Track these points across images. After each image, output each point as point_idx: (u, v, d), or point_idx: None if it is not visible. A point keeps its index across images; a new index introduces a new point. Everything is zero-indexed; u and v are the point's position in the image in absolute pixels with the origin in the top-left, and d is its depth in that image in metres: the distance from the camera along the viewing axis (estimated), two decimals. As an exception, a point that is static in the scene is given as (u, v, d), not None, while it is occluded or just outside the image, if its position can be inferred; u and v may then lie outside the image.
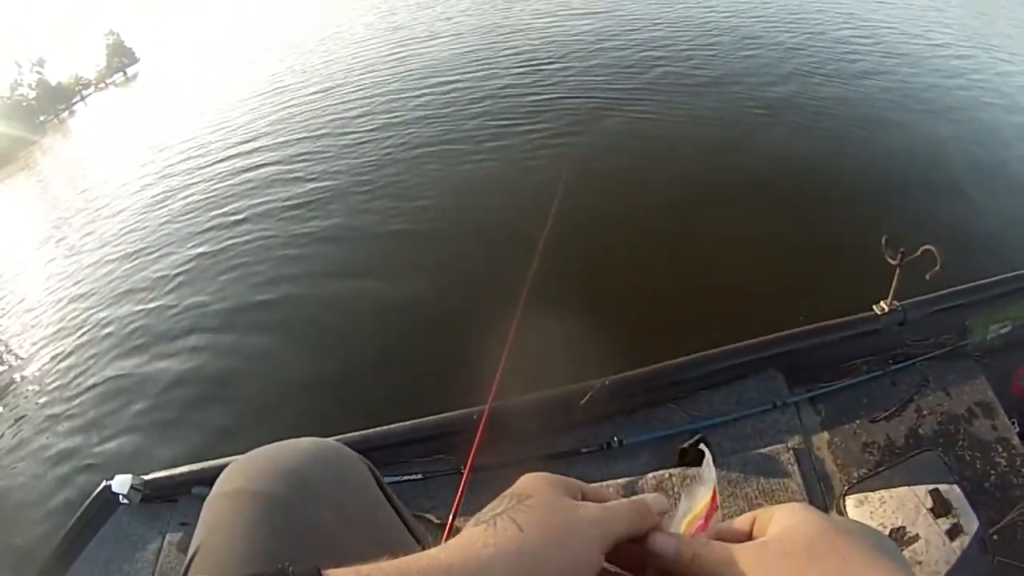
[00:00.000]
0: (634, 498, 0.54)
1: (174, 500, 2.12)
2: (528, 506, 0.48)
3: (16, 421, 5.08)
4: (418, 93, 9.00)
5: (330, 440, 0.76)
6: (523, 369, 1.99)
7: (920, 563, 1.52)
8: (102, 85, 59.40)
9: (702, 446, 0.57)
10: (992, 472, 1.71)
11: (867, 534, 0.46)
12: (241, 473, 0.67)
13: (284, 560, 0.41)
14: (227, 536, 0.61)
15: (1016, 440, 1.78)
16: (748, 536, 0.53)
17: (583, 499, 0.54)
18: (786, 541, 0.45)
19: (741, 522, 0.54)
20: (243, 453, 0.71)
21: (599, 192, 4.81)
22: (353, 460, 0.76)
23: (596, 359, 2.25)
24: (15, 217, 14.12)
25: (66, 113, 50.98)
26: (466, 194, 5.54)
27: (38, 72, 55.05)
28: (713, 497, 0.59)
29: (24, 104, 51.13)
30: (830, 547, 0.43)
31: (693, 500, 0.59)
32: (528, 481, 0.53)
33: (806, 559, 0.43)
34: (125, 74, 60.49)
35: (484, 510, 0.49)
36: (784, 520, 0.48)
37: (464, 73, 9.41)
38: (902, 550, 1.53)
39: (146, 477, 2.14)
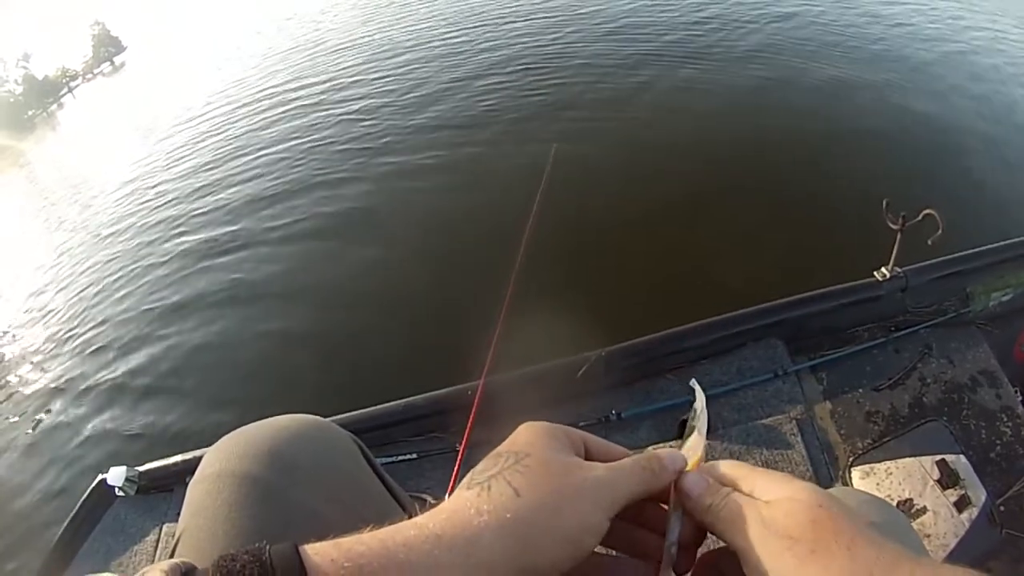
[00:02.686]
0: (647, 454, 0.50)
1: (170, 490, 2.10)
2: (525, 466, 0.44)
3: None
4: (403, 65, 8.94)
5: (314, 416, 0.75)
6: (518, 342, 1.95)
7: (929, 536, 1.50)
8: (89, 76, 58.90)
9: (692, 382, 0.54)
10: (998, 442, 1.69)
11: (878, 511, 0.47)
12: (222, 454, 0.67)
13: (268, 541, 0.39)
14: (210, 519, 0.62)
15: (1020, 409, 1.77)
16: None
17: (587, 452, 0.52)
18: (790, 518, 0.42)
19: (734, 472, 0.50)
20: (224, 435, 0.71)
21: (590, 163, 4.71)
22: (339, 436, 0.76)
23: (592, 330, 2.19)
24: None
25: (55, 106, 50.51)
26: (455, 168, 5.46)
27: (24, 67, 54.60)
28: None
29: (12, 100, 50.72)
30: (835, 535, 0.40)
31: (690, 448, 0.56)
32: (525, 434, 0.49)
33: (809, 546, 0.40)
34: (112, 63, 60.07)
35: (478, 469, 0.46)
36: (784, 489, 0.45)
37: (451, 39, 9.35)
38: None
39: (140, 469, 2.12)
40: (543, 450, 0.46)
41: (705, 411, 0.59)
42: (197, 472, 0.68)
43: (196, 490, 0.66)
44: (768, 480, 0.47)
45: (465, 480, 0.45)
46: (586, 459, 0.50)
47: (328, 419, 0.76)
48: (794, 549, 0.40)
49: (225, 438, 0.70)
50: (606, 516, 0.45)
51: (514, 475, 0.43)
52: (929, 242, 1.73)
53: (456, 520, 0.41)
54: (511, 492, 0.42)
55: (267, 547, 0.38)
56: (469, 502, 0.42)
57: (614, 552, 0.52)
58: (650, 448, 1.76)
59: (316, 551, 0.38)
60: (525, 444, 0.47)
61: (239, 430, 0.71)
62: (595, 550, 0.47)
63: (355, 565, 0.37)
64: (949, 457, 1.62)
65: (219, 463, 0.66)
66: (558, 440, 0.49)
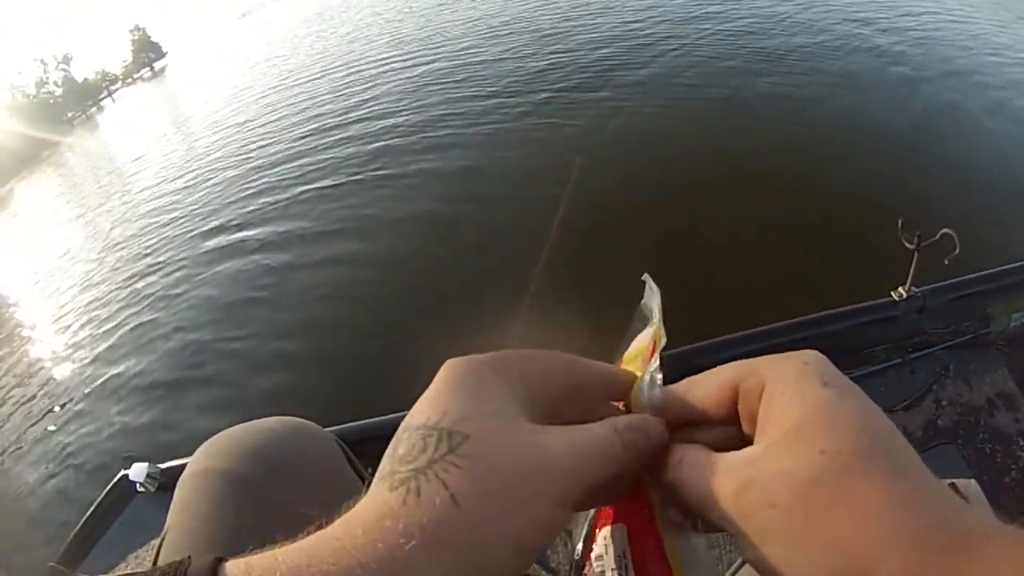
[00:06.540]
0: (628, 421, 0.39)
1: None
2: (462, 456, 0.33)
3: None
4: (433, 62, 9.29)
5: (300, 419, 0.76)
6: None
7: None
8: (129, 80, 60.11)
9: (645, 277, 0.44)
10: (1013, 466, 1.65)
11: (899, 460, 0.31)
12: (209, 453, 0.69)
13: (248, 539, 0.35)
14: (194, 516, 0.62)
15: None
16: (731, 403, 0.38)
17: (537, 387, 0.39)
18: (779, 479, 0.31)
19: (723, 378, 0.39)
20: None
21: (611, 178, 4.66)
22: (324, 439, 0.76)
23: (603, 348, 2.16)
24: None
25: (94, 109, 51.46)
26: (474, 178, 5.48)
27: (64, 69, 55.70)
28: (655, 338, 0.47)
29: (51, 102, 51.79)
30: (842, 501, 0.29)
31: (636, 339, 0.50)
32: (452, 391, 0.37)
33: (799, 517, 0.30)
34: (152, 68, 61.25)
35: (400, 453, 0.34)
36: (782, 416, 0.34)
37: (484, 41, 9.65)
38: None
39: (162, 466, 2.14)
40: (482, 424, 0.35)
41: (656, 296, 0.50)
42: (186, 470, 0.68)
43: (183, 487, 0.66)
44: (784, 403, 0.35)
45: (386, 468, 0.34)
46: (545, 404, 0.39)
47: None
48: (777, 524, 0.31)
49: (212, 438, 0.71)
50: (566, 510, 0.35)
51: (449, 472, 0.32)
52: (946, 262, 1.70)
53: (380, 542, 0.30)
54: (447, 499, 0.31)
55: (188, 559, 0.32)
56: (394, 513, 0.31)
57: None
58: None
59: (235, 567, 0.32)
60: (459, 417, 0.35)
61: (225, 431, 0.72)
62: None
63: None
64: (960, 481, 1.56)
65: (206, 461, 0.67)
66: (498, 393, 0.37)
